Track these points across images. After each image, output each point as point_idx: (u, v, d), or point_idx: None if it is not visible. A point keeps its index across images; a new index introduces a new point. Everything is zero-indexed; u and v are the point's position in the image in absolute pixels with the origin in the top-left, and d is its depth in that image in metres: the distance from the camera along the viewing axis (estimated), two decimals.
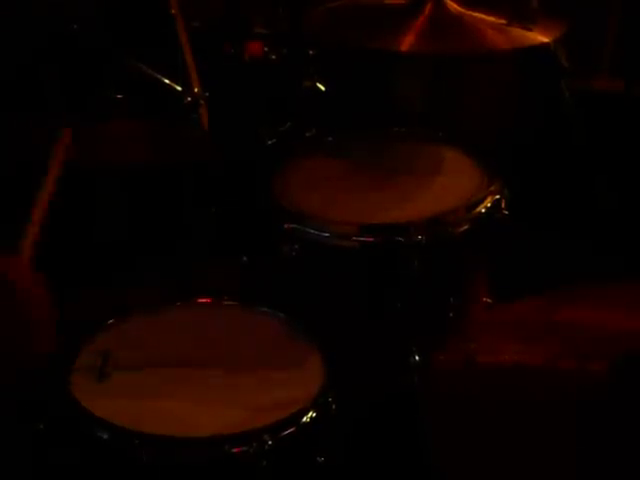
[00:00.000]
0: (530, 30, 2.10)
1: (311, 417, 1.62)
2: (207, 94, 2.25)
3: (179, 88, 2.24)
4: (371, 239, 1.96)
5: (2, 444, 1.79)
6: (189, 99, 2.23)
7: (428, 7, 2.15)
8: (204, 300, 1.92)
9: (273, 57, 2.37)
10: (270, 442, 1.57)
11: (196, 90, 2.24)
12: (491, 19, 2.13)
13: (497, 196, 2.04)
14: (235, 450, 1.57)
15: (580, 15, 2.29)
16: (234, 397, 1.67)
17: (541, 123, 2.83)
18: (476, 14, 2.15)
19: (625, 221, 2.71)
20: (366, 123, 2.57)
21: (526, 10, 2.19)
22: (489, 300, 2.14)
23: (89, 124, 2.10)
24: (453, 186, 2.09)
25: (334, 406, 1.66)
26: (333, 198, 2.07)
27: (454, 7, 2.16)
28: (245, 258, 2.29)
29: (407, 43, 2.07)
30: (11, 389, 1.68)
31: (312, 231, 1.97)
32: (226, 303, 1.91)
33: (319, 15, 2.26)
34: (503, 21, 2.12)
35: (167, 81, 2.25)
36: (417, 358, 2.01)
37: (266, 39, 2.39)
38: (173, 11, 2.32)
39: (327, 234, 1.96)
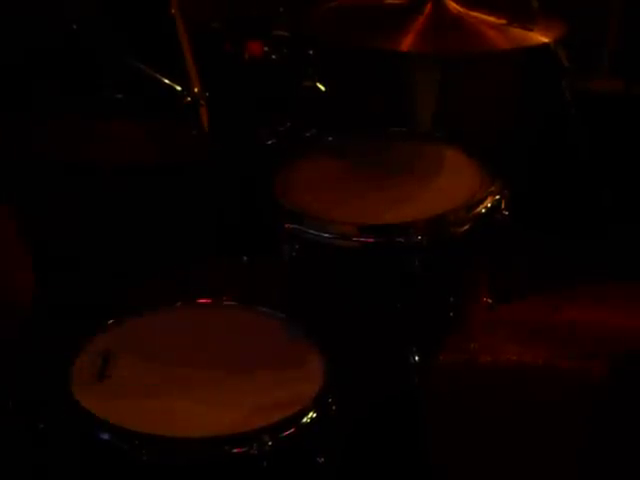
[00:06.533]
0: (530, 30, 2.10)
1: (311, 417, 1.62)
2: (207, 94, 2.25)
3: (179, 88, 2.24)
4: (371, 239, 1.96)
5: (2, 444, 1.79)
6: (189, 99, 2.23)
7: (428, 7, 2.15)
8: (204, 300, 1.92)
9: (273, 57, 2.37)
10: (270, 443, 1.57)
11: (196, 90, 2.24)
12: (491, 19, 2.13)
13: (497, 196, 2.04)
14: (235, 450, 1.57)
15: (580, 15, 2.29)
16: (234, 397, 1.67)
17: (541, 123, 2.83)
18: (476, 14, 2.15)
19: (625, 221, 2.71)
20: (366, 123, 2.57)
21: (526, 10, 2.19)
22: (489, 300, 2.14)
23: (89, 124, 2.10)
24: (453, 186, 2.09)
25: (334, 406, 1.66)
26: (333, 198, 2.07)
27: (454, 7, 2.16)
28: (245, 258, 2.29)
29: (407, 43, 2.07)
30: None
31: (312, 231, 1.97)
32: (226, 303, 1.91)
33: (319, 15, 2.26)
34: (503, 21, 2.12)
35: (167, 81, 2.25)
36: (417, 358, 2.01)
37: (270, 38, 2.38)
38: (173, 11, 2.32)
39: (327, 234, 1.96)
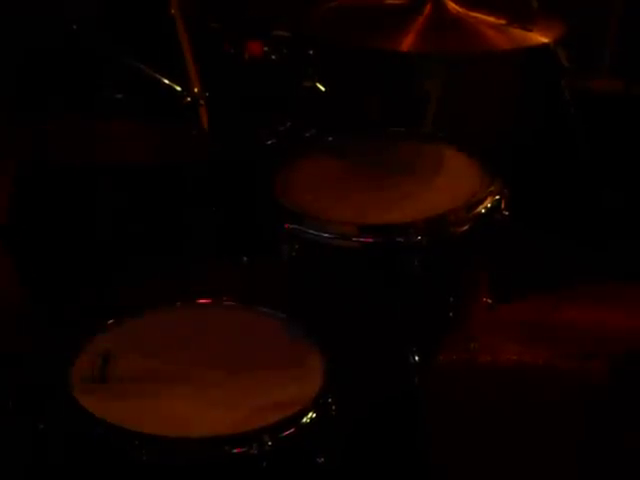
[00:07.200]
0: (530, 30, 2.10)
1: (311, 417, 1.62)
2: (207, 94, 2.25)
3: (179, 88, 2.24)
4: (371, 239, 1.96)
5: (2, 444, 1.79)
6: (189, 99, 2.23)
7: (428, 7, 2.15)
8: (204, 300, 1.92)
9: (273, 57, 2.37)
10: (270, 443, 1.57)
11: (196, 90, 2.24)
12: (491, 19, 2.13)
13: (497, 196, 2.04)
14: (235, 450, 1.57)
15: (580, 15, 2.29)
16: (234, 397, 1.67)
17: (541, 123, 2.83)
18: (476, 14, 2.15)
19: (625, 221, 2.71)
20: (366, 123, 2.57)
21: (526, 10, 2.19)
22: (489, 300, 2.14)
23: (89, 124, 2.10)
24: (453, 186, 2.09)
25: (334, 407, 1.66)
26: (333, 198, 2.07)
27: (454, 7, 2.16)
28: (245, 258, 2.29)
29: (407, 43, 2.07)
30: None
31: (312, 231, 1.97)
32: (226, 303, 1.91)
33: (319, 15, 2.26)
34: (503, 21, 2.12)
35: (167, 81, 2.25)
36: (417, 358, 2.01)
37: (269, 38, 2.38)
38: (173, 11, 2.32)
39: (327, 234, 1.96)
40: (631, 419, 1.38)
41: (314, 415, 1.63)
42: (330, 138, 2.30)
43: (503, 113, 2.82)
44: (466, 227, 1.99)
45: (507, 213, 2.05)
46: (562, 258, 2.63)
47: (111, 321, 1.84)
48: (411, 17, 2.13)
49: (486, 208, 2.02)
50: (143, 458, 1.57)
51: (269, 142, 2.36)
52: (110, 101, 2.25)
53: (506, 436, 1.40)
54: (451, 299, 2.07)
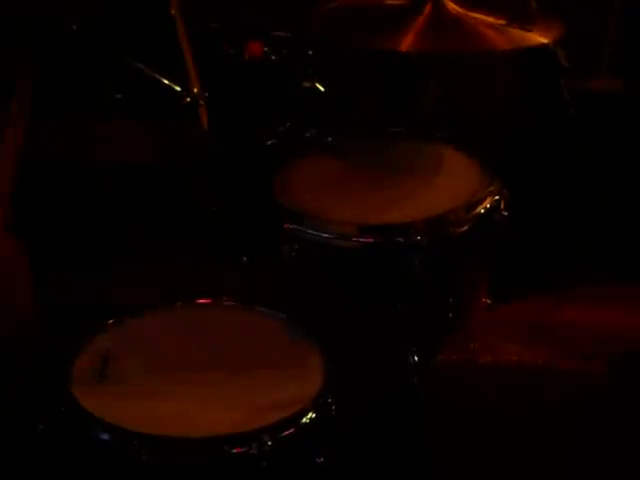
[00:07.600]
0: (529, 31, 2.10)
1: (311, 418, 1.62)
2: (207, 94, 2.25)
3: (179, 88, 2.24)
4: (371, 239, 1.96)
5: (2, 444, 1.79)
6: (188, 99, 2.23)
7: (428, 7, 2.15)
8: (204, 300, 1.92)
9: (273, 57, 2.37)
10: (270, 443, 1.57)
11: (196, 90, 2.24)
12: (491, 19, 2.13)
13: (497, 196, 2.04)
14: (235, 450, 1.57)
15: (580, 15, 2.29)
16: (234, 397, 1.67)
17: (541, 123, 2.83)
18: (476, 14, 2.15)
19: (625, 221, 2.71)
20: (366, 123, 2.57)
21: (525, 11, 2.19)
22: (489, 300, 2.14)
23: (89, 124, 2.10)
24: (453, 186, 2.09)
25: (334, 406, 1.66)
26: (333, 198, 2.07)
27: (454, 7, 2.16)
28: (245, 258, 2.29)
29: (407, 43, 2.07)
30: None
31: (312, 231, 1.97)
32: (226, 303, 1.91)
33: (319, 15, 2.26)
34: (502, 21, 2.12)
35: (167, 81, 2.25)
36: (417, 358, 2.01)
37: (269, 39, 2.38)
38: (173, 11, 2.32)
39: (327, 234, 1.96)
40: (631, 419, 1.38)
41: (314, 415, 1.63)
42: (330, 138, 2.30)
43: (503, 113, 2.82)
44: (466, 227, 1.99)
45: (506, 213, 2.05)
46: (562, 258, 2.63)
47: (111, 321, 1.84)
48: (411, 17, 2.13)
49: (486, 208, 2.02)
50: (143, 458, 1.57)
51: (269, 142, 2.36)
52: (110, 101, 2.25)
53: (506, 436, 1.40)
54: (451, 299, 2.07)
